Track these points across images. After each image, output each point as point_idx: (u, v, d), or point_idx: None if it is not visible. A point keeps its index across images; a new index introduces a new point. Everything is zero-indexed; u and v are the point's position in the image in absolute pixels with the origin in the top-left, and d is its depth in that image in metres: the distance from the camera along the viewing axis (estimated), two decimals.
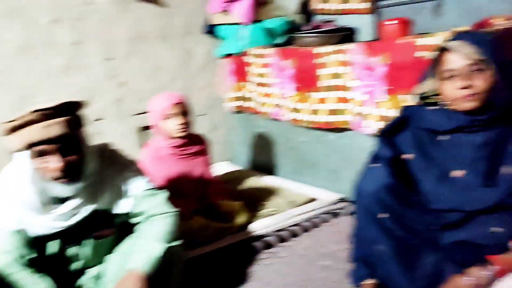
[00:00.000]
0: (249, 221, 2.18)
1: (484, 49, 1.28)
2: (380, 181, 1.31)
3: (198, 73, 3.13)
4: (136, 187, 1.55)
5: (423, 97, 1.45)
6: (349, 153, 2.39)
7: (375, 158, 1.41)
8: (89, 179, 1.46)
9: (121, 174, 1.56)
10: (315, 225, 2.20)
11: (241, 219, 2.15)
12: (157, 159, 2.18)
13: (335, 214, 2.28)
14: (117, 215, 1.55)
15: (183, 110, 2.14)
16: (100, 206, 1.50)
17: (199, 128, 3.13)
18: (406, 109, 1.47)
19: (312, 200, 2.38)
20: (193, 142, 2.26)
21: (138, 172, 1.61)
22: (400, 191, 1.32)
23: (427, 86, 1.41)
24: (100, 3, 2.68)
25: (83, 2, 2.63)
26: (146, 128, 2.75)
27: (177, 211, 1.59)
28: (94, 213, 1.49)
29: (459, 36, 1.34)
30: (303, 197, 2.40)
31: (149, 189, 1.58)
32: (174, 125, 2.11)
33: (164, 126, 2.13)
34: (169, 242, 1.47)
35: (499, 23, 2.00)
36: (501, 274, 1.28)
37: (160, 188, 1.65)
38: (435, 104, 1.42)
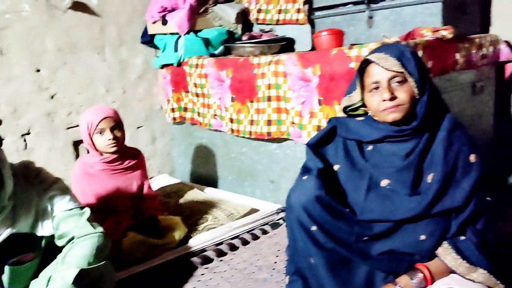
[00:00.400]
0: (188, 236, 2.12)
1: (404, 61, 1.30)
2: (310, 193, 1.30)
3: (135, 84, 3.04)
4: (59, 207, 1.46)
5: (350, 109, 1.46)
6: (288, 163, 2.39)
7: (305, 170, 1.41)
8: (7, 202, 1.36)
9: (45, 193, 1.47)
10: (255, 237, 2.17)
11: (179, 234, 2.09)
12: (88, 175, 2.08)
13: (275, 225, 2.27)
14: (42, 237, 1.46)
15: (115, 124, 2.06)
16: (20, 229, 1.40)
17: (137, 140, 3.06)
18: (334, 120, 1.48)
19: (252, 211, 2.36)
20: (127, 156, 2.18)
21: (63, 191, 1.52)
22: (330, 203, 1.31)
23: (354, 98, 1.43)
24: (26, 11, 2.53)
25: (5, 11, 2.47)
26: (80, 142, 2.64)
27: (102, 231, 1.51)
28: (13, 237, 1.39)
29: (380, 49, 1.37)
30: (243, 208, 2.37)
31: (72, 208, 1.49)
32: (105, 140, 2.03)
33: (95, 141, 2.04)
34: (92, 264, 1.39)
35: (426, 34, 2.08)
36: (429, 281, 1.31)
37: (84, 207, 1.55)
38: (361, 115, 1.44)
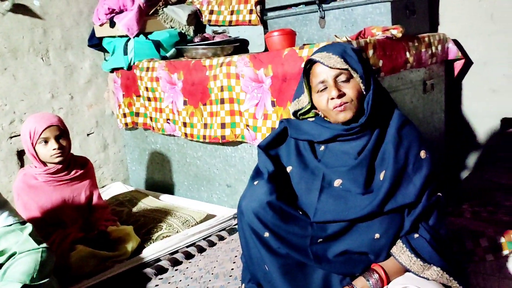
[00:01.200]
0: (141, 246, 2.03)
1: (347, 58, 1.32)
2: (261, 199, 1.27)
3: (84, 89, 2.92)
4: None
5: (301, 113, 1.45)
6: (245, 166, 2.35)
7: (256, 173, 1.37)
8: None
9: None
10: (212, 244, 2.11)
11: (131, 245, 2.00)
12: (31, 187, 1.96)
13: (232, 230, 2.22)
14: None
15: (60, 133, 1.95)
16: None
17: (88, 147, 2.94)
18: (284, 122, 1.46)
19: (209, 217, 2.30)
20: (73, 166, 2.07)
21: (1, 205, 1.42)
22: (282, 207, 1.28)
23: (303, 101, 1.42)
24: None
25: None
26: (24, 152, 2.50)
27: (46, 247, 1.42)
28: None
29: (323, 48, 1.38)
30: (199, 215, 2.30)
31: (11, 224, 1.39)
32: (49, 150, 1.92)
33: (39, 151, 1.92)
34: (35, 280, 1.30)
35: (377, 34, 2.09)
36: (385, 282, 1.30)
37: (25, 221, 1.46)
38: (312, 116, 1.43)
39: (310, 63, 1.37)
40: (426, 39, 2.31)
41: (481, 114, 2.57)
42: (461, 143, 2.66)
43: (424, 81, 2.34)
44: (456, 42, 2.53)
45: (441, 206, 1.35)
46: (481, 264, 1.68)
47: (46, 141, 1.91)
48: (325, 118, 1.39)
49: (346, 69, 1.31)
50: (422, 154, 1.33)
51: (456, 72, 2.56)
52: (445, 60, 2.51)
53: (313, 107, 1.42)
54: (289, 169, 1.39)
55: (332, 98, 1.30)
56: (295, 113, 1.46)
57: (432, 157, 1.34)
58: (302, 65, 1.86)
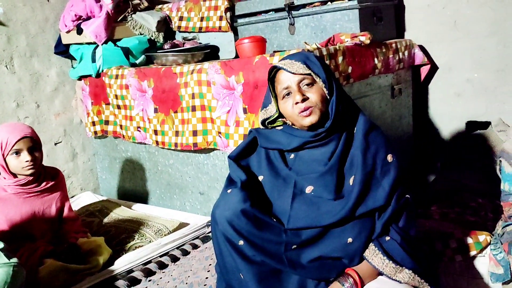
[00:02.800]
0: (113, 258, 1.99)
1: (310, 64, 1.36)
2: (234, 207, 1.27)
3: (50, 97, 2.85)
4: None
5: (269, 121, 1.47)
6: (217, 174, 2.34)
7: (230, 182, 1.37)
8: None
9: None
10: (185, 253, 2.08)
11: (103, 257, 1.96)
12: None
13: (205, 238, 2.20)
14: None
15: (33, 145, 1.89)
16: None
17: (55, 157, 2.86)
18: (254, 132, 1.48)
19: (182, 226, 2.27)
20: (44, 177, 2.02)
21: None
22: (256, 215, 1.29)
23: (270, 110, 1.44)
24: None
25: None
26: None
27: (16, 262, 1.38)
28: None
29: (286, 57, 1.41)
30: (172, 223, 2.28)
31: None
32: (22, 162, 1.86)
33: (9, 163, 1.87)
34: None
35: (346, 40, 2.13)
36: (359, 285, 1.32)
37: None
38: (280, 124, 1.46)
39: (274, 70, 1.41)
40: (394, 45, 2.37)
41: (447, 118, 2.65)
42: (428, 146, 2.73)
43: (392, 86, 2.39)
44: (422, 48, 2.59)
45: (410, 208, 1.38)
46: (451, 264, 1.73)
47: (18, 152, 1.86)
48: (292, 126, 1.41)
49: (309, 74, 1.34)
50: (389, 158, 1.36)
51: (422, 77, 2.63)
52: (412, 66, 2.58)
53: (280, 115, 1.44)
54: (260, 178, 1.39)
55: (297, 103, 1.33)
56: (263, 122, 1.48)
57: (398, 160, 1.38)
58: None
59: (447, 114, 2.64)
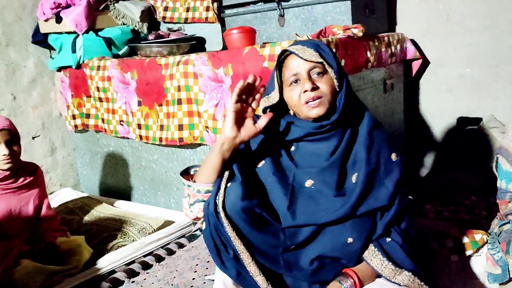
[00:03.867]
0: (94, 258, 1.90)
1: (322, 52, 1.27)
2: (234, 203, 1.20)
3: (28, 88, 2.72)
4: None
5: (271, 109, 1.37)
6: None
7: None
8: None
9: None
10: (170, 252, 2.00)
11: (83, 257, 1.86)
12: None
13: (192, 237, 2.11)
14: None
15: (8, 138, 1.79)
16: None
17: (33, 151, 2.74)
18: (255, 119, 1.38)
19: (167, 224, 2.18)
20: (22, 173, 1.92)
21: None
22: (256, 213, 1.21)
23: (273, 98, 1.35)
24: None
25: None
26: None
27: None
28: None
29: (297, 42, 1.32)
30: (157, 221, 2.19)
31: None
32: None
33: None
34: None
35: (338, 32, 2.06)
36: (358, 286, 1.25)
37: None
38: (283, 114, 1.36)
39: (284, 54, 1.31)
40: (386, 38, 2.31)
41: (439, 114, 2.60)
42: (420, 142, 2.68)
43: (385, 80, 2.34)
44: (413, 42, 2.54)
45: (411, 209, 1.33)
46: (447, 264, 1.68)
47: None
48: (295, 116, 1.33)
49: (321, 63, 1.26)
50: (393, 157, 1.30)
51: (414, 72, 2.58)
52: (403, 60, 2.52)
53: (281, 103, 1.35)
54: (260, 164, 1.31)
55: (305, 91, 1.24)
56: (264, 110, 1.39)
57: (402, 160, 1.31)
58: (265, 64, 1.81)
59: (439, 110, 2.60)
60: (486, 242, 1.65)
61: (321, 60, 1.26)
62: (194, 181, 1.31)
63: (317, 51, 1.26)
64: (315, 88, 1.25)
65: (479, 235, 1.66)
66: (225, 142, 1.25)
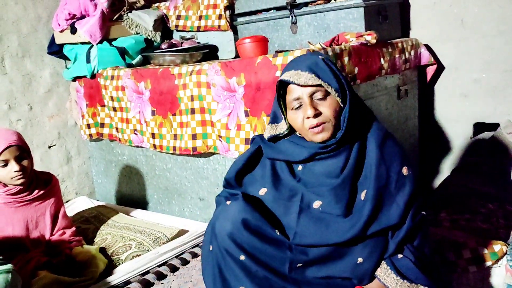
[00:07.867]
0: (110, 268, 1.91)
1: (318, 72, 1.23)
2: (235, 217, 1.18)
3: (44, 98, 2.75)
4: None
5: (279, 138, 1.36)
6: (218, 179, 2.25)
7: (229, 194, 1.28)
8: None
9: None
10: (185, 262, 1.99)
11: (99, 267, 1.87)
12: None
13: None
14: None
15: (21, 153, 1.80)
16: None
17: (49, 160, 2.77)
18: (258, 140, 1.38)
19: (181, 233, 2.19)
20: (36, 185, 1.92)
21: None
22: (258, 225, 1.20)
23: (281, 127, 1.33)
24: None
25: None
26: None
27: (11, 268, 1.34)
28: None
29: (290, 65, 1.28)
30: (171, 231, 2.19)
31: None
32: (10, 172, 1.77)
33: None
34: None
35: (351, 40, 2.04)
36: None
37: None
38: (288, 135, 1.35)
39: (281, 84, 1.28)
40: (400, 44, 2.28)
41: (454, 119, 2.57)
42: (435, 148, 2.65)
43: (398, 87, 2.31)
44: (428, 47, 2.51)
45: (425, 226, 1.30)
46: (465, 275, 1.65)
47: (5, 163, 1.77)
48: (300, 136, 1.32)
49: (320, 85, 1.22)
50: (405, 171, 1.26)
51: (428, 78, 2.55)
52: (417, 66, 2.49)
53: (291, 131, 1.33)
54: (263, 191, 1.29)
55: (308, 118, 1.22)
56: (271, 138, 1.36)
57: (414, 173, 1.28)
58: (277, 74, 1.80)
59: (454, 116, 2.56)
60: (506, 253, 1.62)
61: (319, 82, 1.22)
62: None
63: (312, 71, 1.22)
64: (317, 114, 1.22)
65: (498, 246, 1.63)
66: None
